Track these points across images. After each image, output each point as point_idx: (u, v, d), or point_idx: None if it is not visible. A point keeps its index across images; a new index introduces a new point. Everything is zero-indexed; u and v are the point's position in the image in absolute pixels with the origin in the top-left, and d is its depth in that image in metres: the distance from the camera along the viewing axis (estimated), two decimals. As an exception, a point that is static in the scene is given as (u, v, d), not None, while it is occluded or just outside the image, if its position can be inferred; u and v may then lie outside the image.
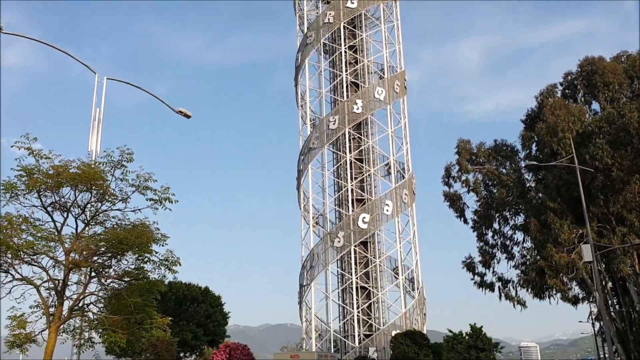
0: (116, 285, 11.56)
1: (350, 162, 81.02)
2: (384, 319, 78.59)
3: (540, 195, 38.77)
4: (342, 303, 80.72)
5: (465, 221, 43.33)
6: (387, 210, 78.00)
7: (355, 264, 77.61)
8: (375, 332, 77.81)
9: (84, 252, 10.56)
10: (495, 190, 41.84)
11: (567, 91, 40.27)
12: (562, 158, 33.34)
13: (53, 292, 11.33)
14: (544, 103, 38.73)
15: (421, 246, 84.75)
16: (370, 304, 79.27)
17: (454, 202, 42.67)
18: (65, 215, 11.45)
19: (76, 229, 11.46)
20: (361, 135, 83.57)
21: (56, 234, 11.30)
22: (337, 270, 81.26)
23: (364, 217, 76.78)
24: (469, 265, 42.07)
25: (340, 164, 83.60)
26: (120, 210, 11.62)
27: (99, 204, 11.43)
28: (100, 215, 11.67)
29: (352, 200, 79.88)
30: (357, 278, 77.29)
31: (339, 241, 78.38)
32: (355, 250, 78.10)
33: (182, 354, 24.79)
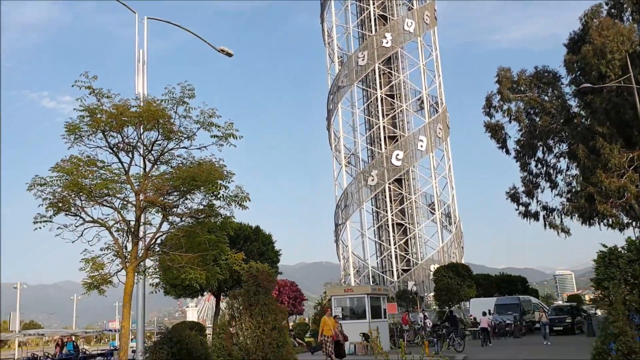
0: (187, 223, 11.47)
1: (381, 99, 79.90)
2: (422, 254, 79.40)
3: (587, 120, 37.58)
4: (378, 240, 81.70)
5: (507, 151, 42.34)
6: (421, 146, 77.29)
7: (390, 201, 77.84)
8: (414, 267, 78.73)
9: (159, 190, 10.41)
10: (538, 119, 40.62)
11: (613, 10, 38.25)
12: (611, 81, 32.02)
13: (124, 233, 11.32)
14: (588, 24, 36.91)
15: (456, 180, 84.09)
16: (407, 240, 79.95)
17: (496, 132, 41.58)
18: (130, 155, 11.31)
19: (144, 169, 11.29)
20: (391, 70, 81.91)
21: (124, 174, 11.16)
22: (372, 208, 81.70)
23: (398, 154, 76.32)
24: (513, 196, 41.39)
25: (371, 101, 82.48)
26: (185, 148, 11.44)
27: (166, 142, 11.21)
28: (165, 154, 11.47)
29: (385, 137, 79.26)
30: (392, 215, 77.76)
31: (372, 179, 78.34)
32: (389, 188, 78.14)
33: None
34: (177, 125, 10.93)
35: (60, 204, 10.80)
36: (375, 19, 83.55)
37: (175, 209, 11.11)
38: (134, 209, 11.31)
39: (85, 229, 11.36)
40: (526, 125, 40.93)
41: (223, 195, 10.79)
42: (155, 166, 11.32)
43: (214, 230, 11.43)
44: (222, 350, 12.74)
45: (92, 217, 11.14)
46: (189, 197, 11.12)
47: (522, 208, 40.97)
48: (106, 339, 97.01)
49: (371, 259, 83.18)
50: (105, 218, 11.12)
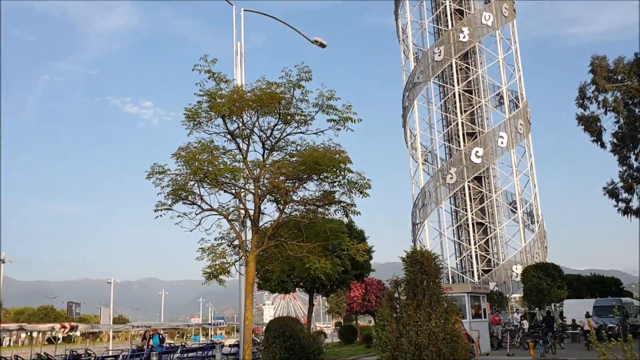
0: (300, 212, 10.99)
1: (459, 94, 77.85)
2: (503, 254, 76.77)
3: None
4: (457, 240, 79.56)
5: (602, 145, 39.67)
6: (502, 143, 74.74)
7: (470, 200, 75.66)
8: (495, 267, 76.33)
9: (280, 177, 9.95)
10: (638, 110, 37.94)
11: None
12: None
13: (241, 222, 10.99)
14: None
15: (539, 178, 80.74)
16: (488, 239, 77.49)
17: (590, 125, 39.06)
18: (246, 142, 10.96)
19: (263, 155, 10.93)
20: (469, 65, 79.72)
21: (242, 161, 10.82)
22: (451, 207, 79.63)
23: (477, 151, 74.16)
24: (612, 192, 38.75)
25: (448, 97, 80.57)
26: (302, 133, 10.95)
27: (284, 127, 10.78)
28: (281, 141, 11.04)
29: (463, 134, 77.15)
30: (472, 214, 75.52)
31: (451, 177, 76.50)
32: (469, 186, 75.98)
33: (334, 287, 24.81)
34: (295, 108, 10.43)
35: (180, 192, 10.58)
36: (451, 14, 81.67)
37: (295, 195, 10.59)
38: (249, 197, 10.97)
39: (202, 218, 11.11)
40: (625, 116, 38.27)
41: (345, 181, 10.19)
42: (274, 152, 10.90)
43: (333, 220, 10.87)
44: (386, 345, 11.91)
45: (210, 206, 10.86)
46: (304, 185, 10.62)
47: (621, 204, 38.33)
48: (188, 334, 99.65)
49: (450, 259, 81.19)
50: (222, 207, 10.80)
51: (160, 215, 10.79)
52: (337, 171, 10.14)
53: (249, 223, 11.19)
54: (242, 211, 10.98)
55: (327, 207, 10.99)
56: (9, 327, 12.00)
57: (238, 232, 10.94)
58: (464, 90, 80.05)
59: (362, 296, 34.53)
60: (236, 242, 11.31)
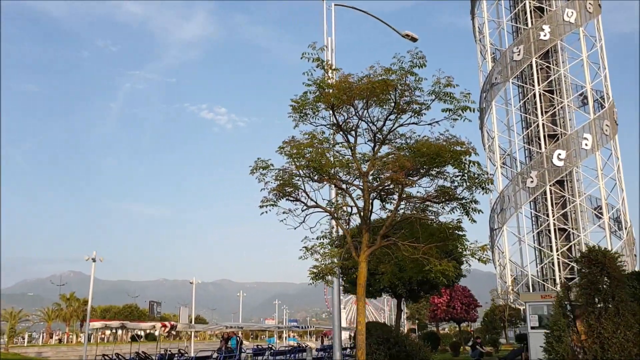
0: (409, 210, 10.09)
1: (540, 95, 74.52)
2: (588, 262, 72.83)
3: None
4: (538, 246, 76.01)
5: None
6: (586, 145, 71.02)
7: (552, 204, 72.24)
8: (578, 275, 72.32)
9: (403, 167, 9.05)
10: None
11: None
12: None
13: (346, 221, 10.23)
14: None
15: (627, 182, 76.06)
16: (571, 246, 73.77)
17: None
18: (353, 134, 10.20)
19: (373, 148, 10.11)
20: (550, 64, 76.31)
21: (351, 155, 10.07)
22: (531, 212, 76.23)
23: (559, 154, 70.75)
24: None
25: (528, 98, 77.33)
26: (416, 124, 10.05)
27: (397, 118, 9.92)
28: (390, 133, 10.18)
29: (544, 136, 73.76)
30: (554, 219, 71.96)
31: (531, 181, 73.47)
32: (550, 190, 72.61)
33: (422, 293, 23.72)
34: (411, 96, 9.54)
35: (285, 189, 9.96)
36: (531, 11, 78.57)
37: (409, 191, 9.70)
38: (353, 194, 10.20)
39: (306, 215, 10.44)
40: None
41: (465, 175, 9.18)
42: (381, 146, 10.07)
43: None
44: (563, 357, 10.60)
45: (315, 202, 10.16)
46: (417, 180, 9.68)
47: None
48: (262, 336, 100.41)
49: (530, 266, 77.77)
50: (330, 204, 10.07)
51: (266, 212, 10.23)
52: (461, 164, 9.14)
53: (352, 221, 10.43)
54: (349, 209, 10.20)
55: (445, 204, 10.03)
56: (111, 324, 11.79)
57: (346, 230, 10.16)
58: (544, 91, 76.83)
59: (446, 303, 33.17)
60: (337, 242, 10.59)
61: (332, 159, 9.62)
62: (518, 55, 76.95)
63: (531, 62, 75.76)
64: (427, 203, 10.06)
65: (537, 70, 76.09)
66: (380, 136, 10.01)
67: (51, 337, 69.86)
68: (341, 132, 10.03)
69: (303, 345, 24.32)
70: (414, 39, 19.99)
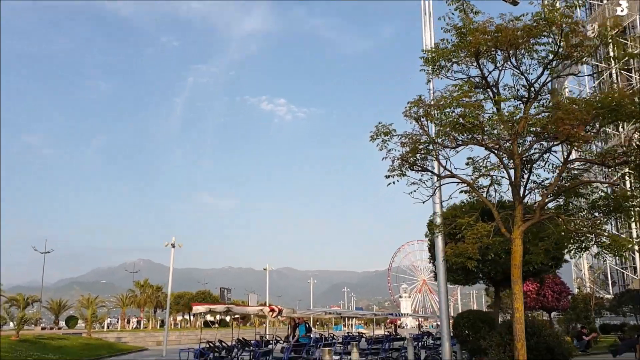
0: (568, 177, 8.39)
1: (617, 74, 70.42)
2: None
3: None
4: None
5: None
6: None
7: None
8: (662, 263, 68.46)
9: (582, 120, 7.39)
10: None
11: None
12: None
13: (487, 190, 8.68)
14: None
15: None
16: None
17: None
18: (496, 88, 8.62)
19: (527, 102, 8.46)
20: (627, 41, 71.86)
21: (496, 111, 8.48)
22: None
23: None
24: None
25: (603, 78, 73.11)
26: (574, 74, 8.39)
27: (558, 65, 8.28)
28: (543, 87, 8.53)
29: None
30: None
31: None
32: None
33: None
34: (578, 37, 7.83)
35: (411, 157, 8.49)
36: (606, -14, 74.03)
37: (580, 150, 7.98)
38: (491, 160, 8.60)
39: (436, 188, 8.92)
40: None
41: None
42: (532, 102, 8.39)
43: None
44: None
45: (449, 171, 8.64)
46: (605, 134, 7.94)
47: None
48: (327, 323, 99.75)
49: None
50: (479, 170, 8.52)
51: (393, 183, 8.82)
52: (643, 119, 7.36)
53: (496, 193, 8.82)
54: (488, 179, 8.61)
55: (616, 169, 8.29)
56: (215, 308, 10.68)
57: (490, 203, 8.59)
58: (621, 69, 72.29)
59: (536, 290, 30.89)
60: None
61: (479, 117, 8.07)
62: (592, 32, 72.74)
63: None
64: (608, 166, 8.27)
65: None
66: (533, 90, 8.36)
67: (128, 323, 71.35)
68: (483, 87, 8.44)
69: (391, 333, 22.85)
70: (514, 3, 17.99)
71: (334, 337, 19.47)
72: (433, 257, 22.87)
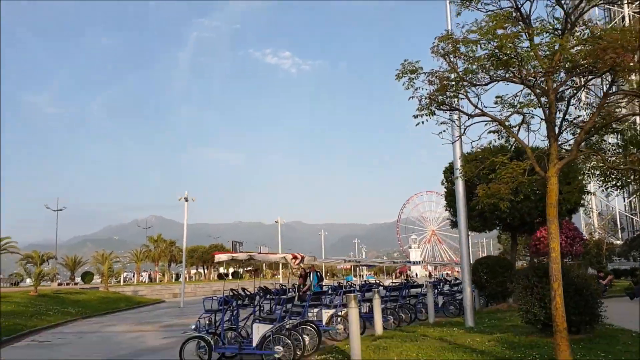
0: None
1: (629, 17, 68.38)
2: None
3: None
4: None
5: None
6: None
7: None
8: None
9: (617, 53, 6.89)
10: None
11: None
12: None
13: (517, 128, 8.31)
14: None
15: None
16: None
17: None
18: (528, 20, 8.09)
19: (563, 32, 7.96)
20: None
21: (531, 46, 8.00)
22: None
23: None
24: None
25: (615, 22, 71.13)
26: (612, 2, 7.82)
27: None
28: (579, 17, 7.98)
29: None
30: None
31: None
32: None
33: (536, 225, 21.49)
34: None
35: (440, 96, 8.09)
36: None
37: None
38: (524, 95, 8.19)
39: (466, 128, 8.56)
40: None
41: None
42: (569, 34, 7.90)
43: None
44: None
45: (481, 110, 8.24)
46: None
47: None
48: (337, 274, 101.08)
49: (617, 200, 73.41)
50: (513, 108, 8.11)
51: (422, 122, 8.46)
52: None
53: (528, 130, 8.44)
54: (519, 117, 8.22)
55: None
56: (238, 256, 10.51)
57: (522, 141, 8.23)
58: (634, 12, 70.15)
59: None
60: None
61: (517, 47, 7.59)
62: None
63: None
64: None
65: (628, -10, 69.48)
66: (569, 21, 7.84)
67: (142, 277, 72.53)
68: (515, 19, 7.92)
69: (407, 280, 22.84)
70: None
71: (352, 285, 19.43)
72: (450, 205, 22.72)
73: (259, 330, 10.71)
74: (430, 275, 79.13)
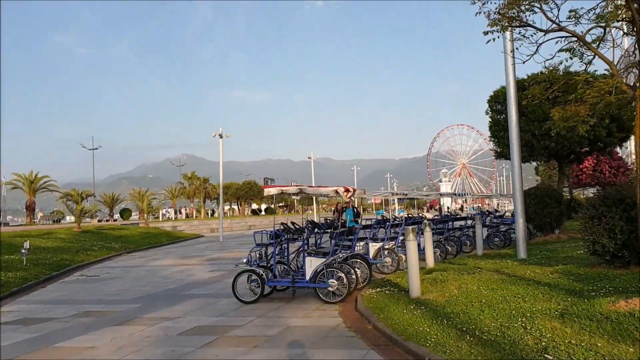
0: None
1: None
2: None
3: None
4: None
5: None
6: None
7: None
8: None
9: None
10: None
11: None
12: None
13: (598, 43, 7.48)
14: None
15: None
16: None
17: None
18: None
19: None
20: None
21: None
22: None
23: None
24: None
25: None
26: None
27: None
28: None
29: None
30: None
31: None
32: None
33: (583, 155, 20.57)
34: None
35: (512, 9, 7.26)
36: None
37: None
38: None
39: (539, 44, 7.74)
40: None
41: None
42: None
43: None
44: None
45: (558, 24, 7.40)
46: None
47: None
48: (369, 209, 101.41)
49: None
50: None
51: (493, 40, 7.70)
52: None
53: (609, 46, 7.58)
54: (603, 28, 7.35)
55: None
56: (288, 190, 10.09)
57: (608, 59, 7.40)
58: None
59: (592, 167, 29.69)
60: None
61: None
62: None
63: None
64: None
65: None
66: None
67: (179, 213, 73.82)
68: None
69: (451, 213, 22.29)
70: None
71: (396, 218, 18.90)
72: (494, 135, 21.84)
73: (311, 264, 10.43)
74: (462, 208, 78.63)
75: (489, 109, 21.47)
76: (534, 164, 47.53)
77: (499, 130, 20.82)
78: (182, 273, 17.44)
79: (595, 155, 27.84)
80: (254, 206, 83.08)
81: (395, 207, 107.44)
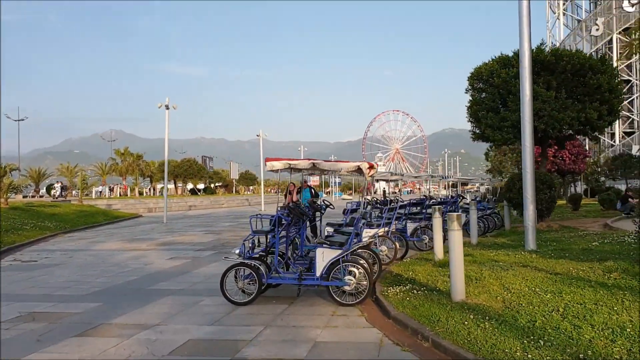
0: None
1: None
2: (648, 116, 68.72)
3: None
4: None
5: None
6: (664, -12, 63.15)
7: (616, 55, 66.21)
8: (639, 130, 68.88)
9: None
10: None
11: None
12: None
13: None
14: None
15: None
16: (632, 99, 68.67)
17: None
18: None
19: None
20: None
21: None
22: (593, 63, 70.32)
23: (632, -2, 63.70)
24: None
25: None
26: None
27: None
28: None
29: (615, -21, 65.93)
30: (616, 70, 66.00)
31: (597, 29, 67.02)
32: (617, 39, 66.13)
33: (580, 136, 19.64)
34: None
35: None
36: None
37: None
38: None
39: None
40: None
41: None
42: None
43: None
44: None
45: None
46: None
47: None
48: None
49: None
50: None
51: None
52: None
53: None
54: None
55: None
56: (297, 164, 7.97)
57: None
58: None
59: (553, 153, 29.08)
60: None
61: None
62: None
63: None
64: None
65: None
66: None
67: (112, 191, 69.14)
68: None
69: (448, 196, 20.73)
70: None
71: (392, 201, 16.23)
72: (472, 116, 20.41)
73: (324, 257, 8.35)
74: (400, 192, 78.67)
75: (470, 86, 19.97)
76: (486, 148, 47.40)
77: (480, 109, 19.35)
78: (138, 260, 14.86)
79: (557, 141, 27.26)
80: (190, 185, 79.26)
81: (333, 189, 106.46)
